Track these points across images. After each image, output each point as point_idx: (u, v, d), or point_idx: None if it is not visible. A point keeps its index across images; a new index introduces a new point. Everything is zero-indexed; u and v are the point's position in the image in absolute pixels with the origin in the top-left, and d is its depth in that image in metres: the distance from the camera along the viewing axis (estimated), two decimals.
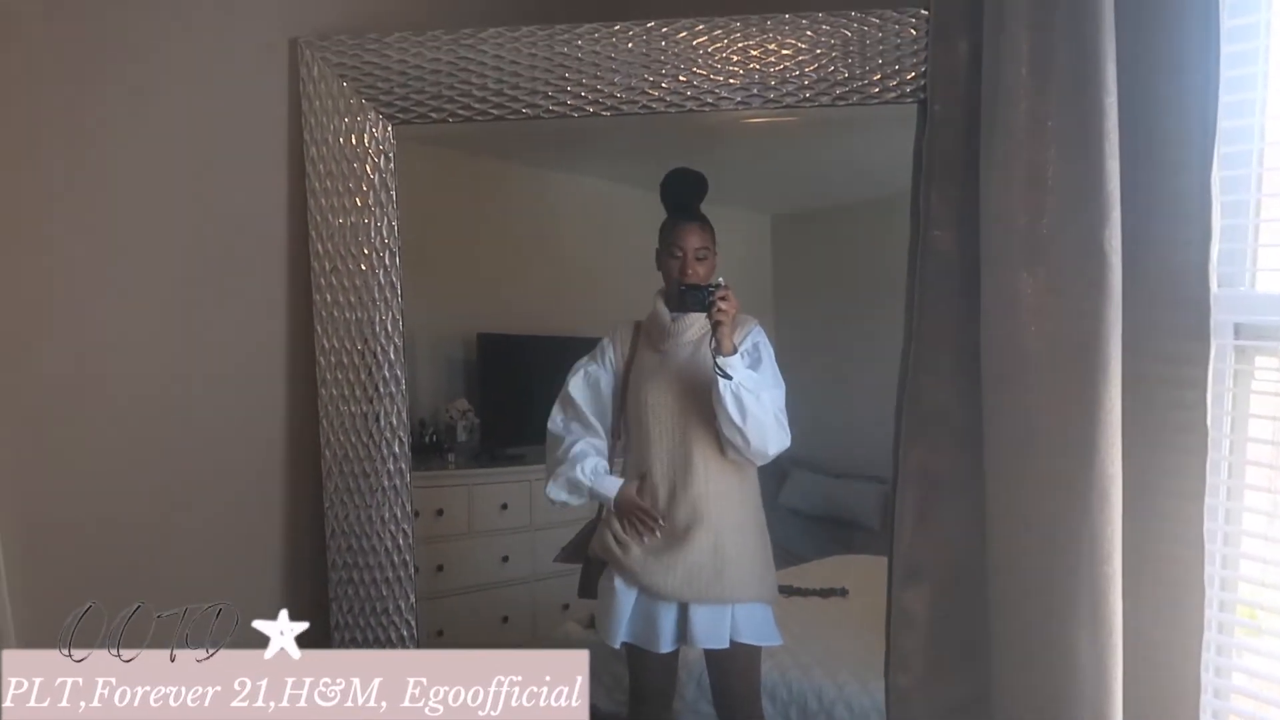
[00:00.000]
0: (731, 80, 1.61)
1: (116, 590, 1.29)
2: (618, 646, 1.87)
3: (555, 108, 1.64)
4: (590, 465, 1.88)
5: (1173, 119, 1.36)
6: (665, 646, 1.86)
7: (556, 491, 1.92)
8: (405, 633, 1.71)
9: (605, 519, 1.93)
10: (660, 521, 1.84)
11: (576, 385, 1.93)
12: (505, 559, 2.97)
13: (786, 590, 2.74)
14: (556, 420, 1.94)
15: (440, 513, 3.06)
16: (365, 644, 1.71)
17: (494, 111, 1.66)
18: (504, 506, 3.25)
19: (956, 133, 1.51)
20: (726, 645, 1.87)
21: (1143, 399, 1.38)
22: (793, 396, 1.89)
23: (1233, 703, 1.47)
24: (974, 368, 1.49)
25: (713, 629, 1.87)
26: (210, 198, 1.69)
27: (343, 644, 1.71)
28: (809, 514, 4.67)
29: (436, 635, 2.99)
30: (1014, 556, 1.43)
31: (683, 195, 1.89)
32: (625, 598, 1.87)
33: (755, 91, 1.60)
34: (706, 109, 1.62)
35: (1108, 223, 1.31)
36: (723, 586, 1.87)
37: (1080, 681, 1.33)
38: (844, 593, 2.73)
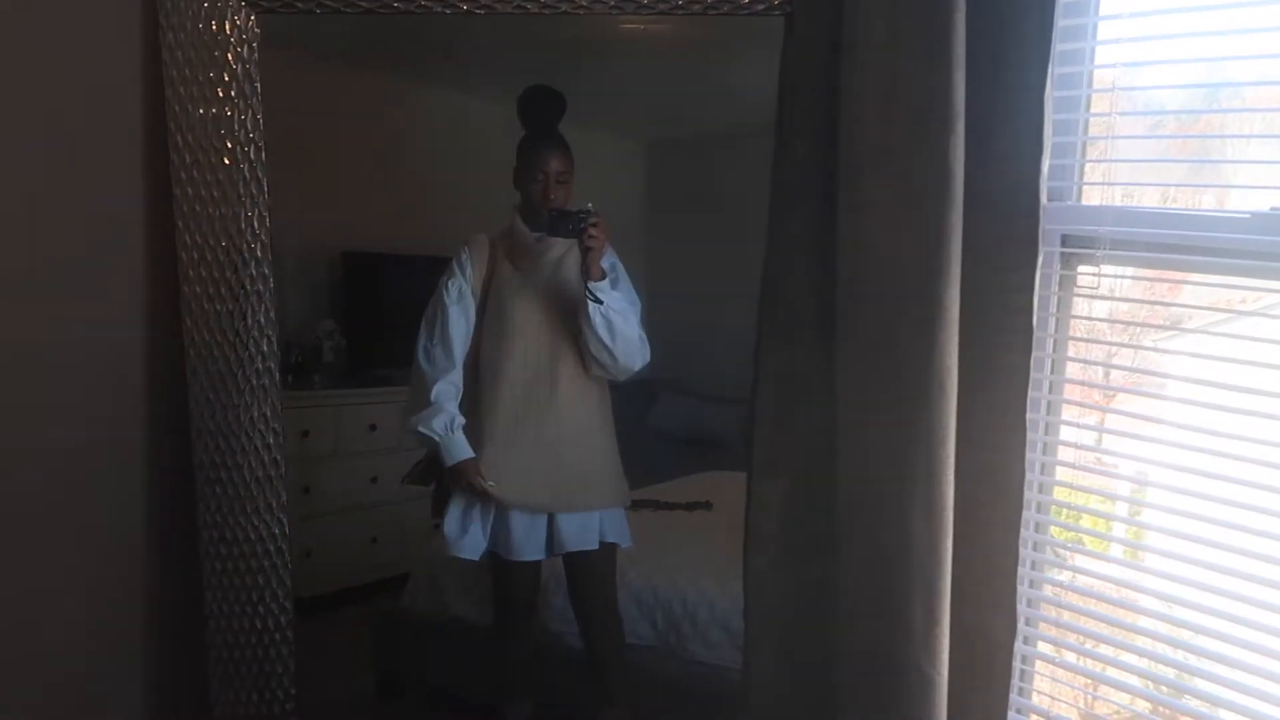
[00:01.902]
0: None
1: None
2: (477, 559, 1.92)
3: (427, 2, 1.62)
4: (444, 420, 1.89)
5: (1012, 40, 1.46)
6: (534, 554, 1.93)
7: (415, 429, 1.93)
8: (276, 530, 1.71)
9: None
10: (489, 492, 1.88)
11: (450, 303, 1.93)
12: (374, 480, 2.96)
13: (654, 505, 2.86)
14: (422, 348, 1.94)
15: (306, 434, 3.03)
16: (234, 541, 1.71)
17: (363, 3, 1.63)
18: (372, 428, 3.23)
19: (819, 45, 1.58)
20: (596, 547, 1.96)
21: (976, 301, 1.50)
22: (664, 322, 1.96)
23: (1045, 591, 1.65)
24: (829, 271, 1.59)
25: (581, 533, 1.95)
26: (57, 94, 1.60)
27: (213, 555, 1.71)
28: (677, 436, 4.83)
29: (305, 557, 2.99)
30: (862, 444, 1.55)
31: (542, 114, 1.91)
32: (485, 511, 1.92)
33: None
34: (580, 11, 1.63)
35: (952, 134, 1.41)
36: (589, 494, 1.95)
37: (915, 552, 1.47)
38: (709, 506, 2.85)
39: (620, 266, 1.93)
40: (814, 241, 1.61)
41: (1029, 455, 1.53)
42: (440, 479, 1.98)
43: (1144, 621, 1.55)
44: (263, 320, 1.66)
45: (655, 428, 4.69)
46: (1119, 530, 1.67)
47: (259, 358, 1.67)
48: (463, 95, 4.14)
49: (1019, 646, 1.57)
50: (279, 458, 1.70)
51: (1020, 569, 1.53)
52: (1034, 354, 1.49)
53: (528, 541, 1.93)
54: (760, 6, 1.61)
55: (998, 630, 1.54)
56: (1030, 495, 1.57)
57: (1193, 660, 1.48)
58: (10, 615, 1.58)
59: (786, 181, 1.62)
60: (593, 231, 1.79)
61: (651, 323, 1.95)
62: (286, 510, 1.71)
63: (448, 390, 1.89)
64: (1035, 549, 1.63)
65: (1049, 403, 1.60)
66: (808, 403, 1.66)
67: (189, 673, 1.75)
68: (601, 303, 1.80)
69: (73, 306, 1.62)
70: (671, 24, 2.68)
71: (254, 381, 1.67)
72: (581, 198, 1.89)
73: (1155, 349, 1.61)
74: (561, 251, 1.91)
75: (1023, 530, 1.54)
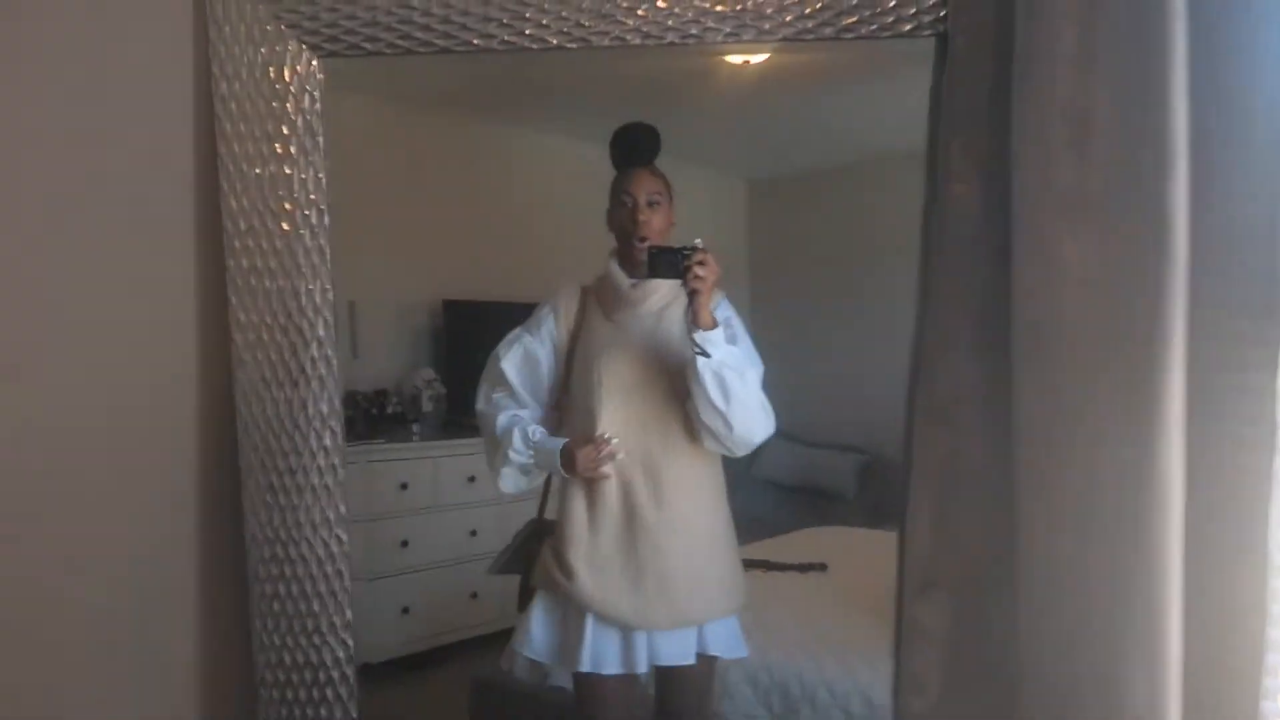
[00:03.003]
0: (719, 6, 1.36)
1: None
2: (551, 663, 1.67)
3: (511, 38, 1.39)
4: (522, 435, 1.63)
5: (1243, 55, 1.15)
6: (612, 667, 1.62)
7: (507, 481, 1.68)
8: (340, 654, 1.47)
9: (546, 541, 1.69)
10: (612, 445, 1.60)
11: (511, 362, 1.67)
12: (473, 533, 2.79)
13: (764, 565, 2.60)
14: (483, 399, 1.70)
15: (405, 486, 2.88)
16: (293, 665, 1.47)
17: (439, 42, 1.40)
18: (471, 479, 3.07)
19: (983, 70, 1.30)
20: (692, 662, 1.66)
21: (1200, 383, 1.18)
22: (768, 366, 1.68)
23: None
24: (1002, 343, 1.29)
25: (679, 645, 1.65)
26: (100, 148, 1.42)
27: (267, 665, 1.47)
28: (785, 485, 4.55)
29: (402, 612, 2.81)
30: (1051, 567, 1.23)
31: (632, 150, 1.66)
32: (573, 619, 1.64)
33: (747, 21, 1.36)
34: (689, 42, 1.38)
35: (1171, 175, 1.10)
36: (696, 605, 1.65)
37: (1129, 708, 1.14)
38: (823, 568, 2.59)
39: (736, 320, 1.65)
40: (981, 305, 1.32)
41: (1272, 582, 1.19)
42: (527, 570, 1.72)
43: None
44: (325, 409, 1.44)
45: (763, 477, 4.43)
46: None
47: (320, 453, 1.43)
48: (558, 137, 4.00)
49: None
50: (344, 569, 1.46)
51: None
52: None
53: (606, 651, 1.62)
54: (907, 27, 1.33)
55: None
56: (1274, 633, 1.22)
57: None
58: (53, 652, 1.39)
59: (942, 233, 1.33)
60: (699, 271, 1.49)
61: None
62: (352, 630, 1.46)
63: (513, 419, 1.65)
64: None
65: None
66: (976, 502, 1.36)
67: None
68: (710, 356, 1.52)
69: (117, 408, 1.43)
70: (775, 54, 2.46)
71: (315, 481, 1.44)
72: (682, 236, 1.62)
73: None
74: (665, 301, 1.63)
75: (1264, 680, 1.19)
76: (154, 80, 1.46)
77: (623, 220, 1.65)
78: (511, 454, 1.62)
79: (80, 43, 1.40)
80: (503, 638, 1.77)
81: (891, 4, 1.32)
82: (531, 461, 1.63)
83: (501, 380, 1.66)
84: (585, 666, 1.59)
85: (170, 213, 1.47)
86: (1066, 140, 1.17)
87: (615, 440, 1.60)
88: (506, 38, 1.39)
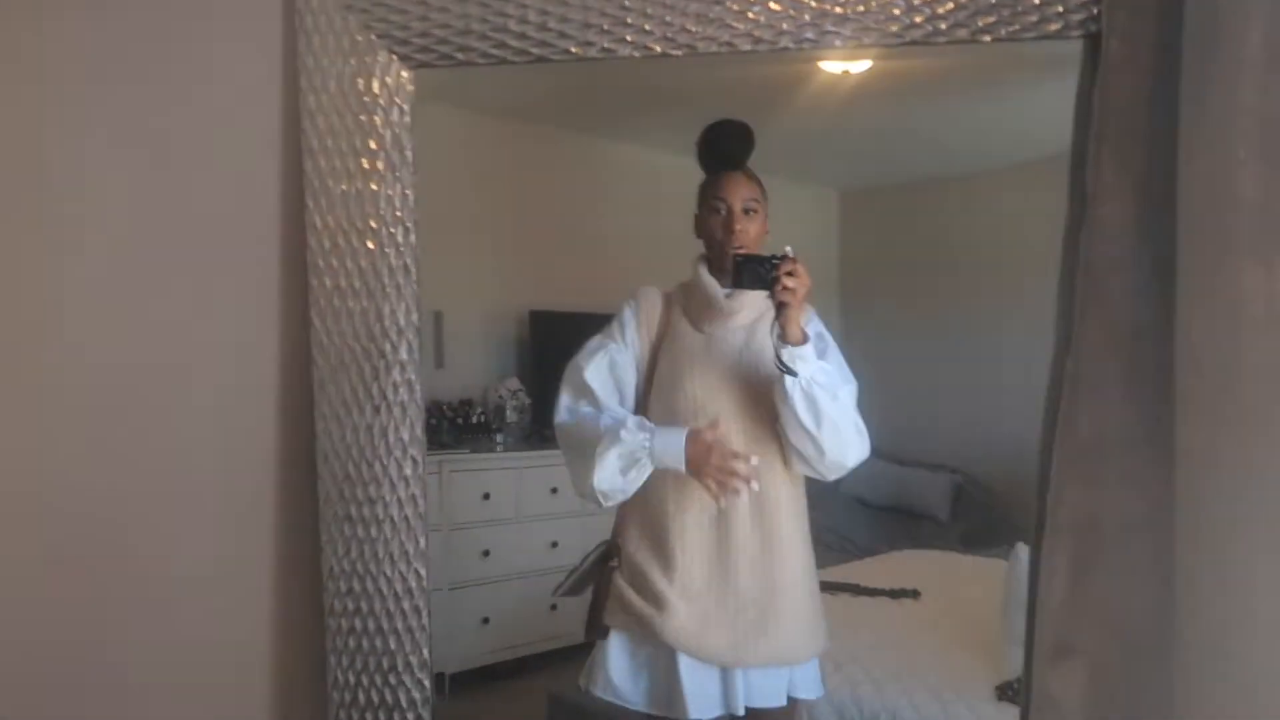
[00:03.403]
0: (837, 7, 1.24)
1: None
2: (644, 710, 1.53)
3: (612, 45, 1.29)
4: (636, 421, 1.44)
5: None
6: (708, 711, 1.49)
7: (605, 474, 1.42)
8: (417, 695, 1.38)
9: (616, 571, 1.55)
10: (751, 463, 1.41)
11: (595, 372, 1.51)
12: (554, 544, 2.73)
13: (854, 589, 2.46)
14: (564, 410, 1.52)
15: (487, 496, 2.83)
16: (367, 705, 1.39)
17: (535, 50, 1.31)
18: (554, 490, 3.00)
19: (1141, 75, 1.15)
20: (784, 704, 1.53)
21: None
22: (860, 382, 1.54)
23: None
24: (1155, 387, 1.14)
25: (773, 684, 1.52)
26: (186, 162, 1.38)
27: (341, 705, 1.40)
28: (875, 504, 4.36)
29: (483, 623, 2.77)
30: (1215, 638, 1.07)
31: (725, 150, 1.53)
32: (662, 659, 1.52)
33: (870, 24, 1.24)
34: (805, 46, 1.26)
35: None
36: (796, 642, 1.52)
37: None
38: (915, 594, 2.44)
39: (828, 335, 1.51)
40: (1134, 341, 1.17)
41: None
42: (597, 590, 1.59)
43: None
44: (406, 437, 1.36)
45: (851, 494, 4.26)
46: None
47: (401, 484, 1.35)
48: (645, 148, 3.92)
49: None
50: (422, 606, 1.37)
51: None
52: None
53: (700, 694, 1.49)
54: (1052, 27, 1.19)
55: None
56: None
57: None
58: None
59: (1093, 263, 1.18)
60: (788, 282, 1.36)
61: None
62: (429, 669, 1.37)
63: (614, 417, 1.46)
64: None
65: None
66: (1121, 560, 1.20)
67: None
68: (796, 374, 1.38)
69: (197, 426, 1.38)
70: (879, 61, 2.32)
71: (394, 514, 1.36)
72: (773, 247, 1.49)
73: None
74: (757, 314, 1.50)
75: None
76: (241, 94, 1.41)
77: (715, 228, 1.52)
78: (624, 434, 1.40)
79: (168, 54, 1.37)
80: (582, 652, 1.65)
81: (1036, 2, 1.18)
82: (646, 447, 1.40)
83: (585, 390, 1.51)
84: (691, 715, 1.47)
85: (255, 230, 1.42)
86: (1251, 151, 1.02)
87: (756, 461, 1.41)
88: (606, 45, 1.29)
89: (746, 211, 1.50)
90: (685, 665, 1.48)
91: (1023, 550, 1.66)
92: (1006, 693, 1.78)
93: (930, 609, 2.34)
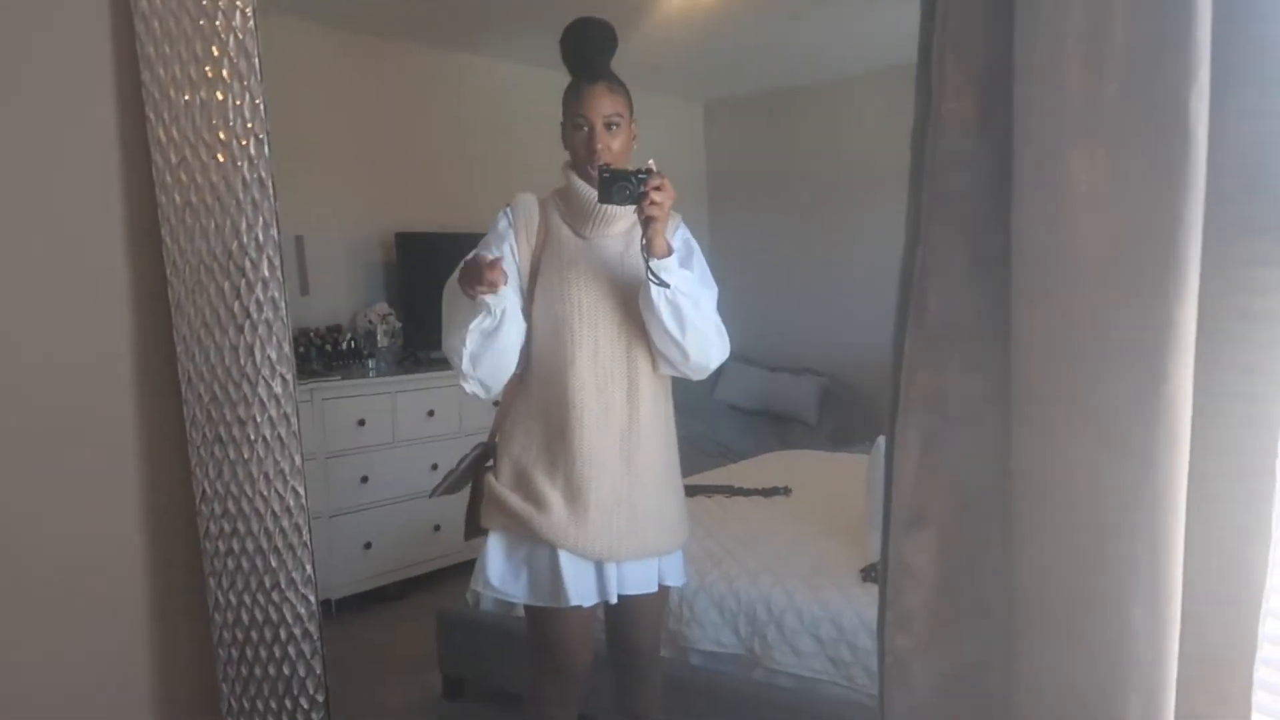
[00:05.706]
0: None
1: None
2: (529, 602, 1.57)
3: None
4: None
5: None
6: (586, 599, 1.54)
7: (472, 377, 1.43)
8: (302, 610, 1.38)
9: (489, 477, 1.56)
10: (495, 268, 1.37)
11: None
12: (434, 466, 2.72)
13: (728, 490, 2.57)
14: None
15: (362, 423, 2.80)
16: (251, 623, 1.39)
17: None
18: (430, 413, 2.99)
19: None
20: (656, 590, 1.59)
21: (1210, 306, 1.12)
22: (728, 291, 1.59)
23: None
24: (997, 273, 1.21)
25: (641, 576, 1.58)
26: (4, 77, 1.27)
27: (225, 625, 1.39)
28: (748, 410, 4.51)
29: (365, 548, 2.76)
30: (1048, 504, 1.18)
31: (586, 49, 1.49)
32: (541, 555, 1.55)
33: None
34: None
35: (1193, 84, 1.02)
36: (664, 537, 1.58)
37: (1130, 660, 1.10)
38: (787, 492, 2.55)
39: (694, 242, 1.54)
40: (977, 231, 1.24)
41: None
42: (474, 491, 1.60)
43: None
44: (274, 355, 1.33)
45: (725, 401, 4.39)
46: None
47: (272, 402, 1.33)
48: (507, 63, 3.80)
49: None
50: (302, 523, 1.36)
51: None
52: None
53: (579, 584, 1.54)
54: None
55: None
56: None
57: None
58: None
59: (935, 152, 1.24)
60: (655, 196, 1.37)
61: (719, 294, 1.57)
62: (314, 584, 1.38)
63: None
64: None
65: None
66: (967, 436, 1.30)
67: (199, 677, 1.44)
68: (667, 286, 1.42)
69: (47, 360, 1.31)
70: None
71: (266, 433, 1.34)
72: (639, 158, 1.48)
73: None
74: (629, 224, 1.51)
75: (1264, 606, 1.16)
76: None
77: (578, 144, 1.51)
78: (471, 327, 1.40)
79: None
80: (467, 569, 1.68)
81: None
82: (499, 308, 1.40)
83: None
84: (571, 602, 1.52)
85: (93, 143, 1.33)
86: (1078, 49, 1.08)
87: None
88: None
89: (609, 127, 1.48)
90: (565, 558, 1.52)
91: (883, 443, 1.75)
92: (870, 574, 1.89)
93: (800, 504, 2.44)
